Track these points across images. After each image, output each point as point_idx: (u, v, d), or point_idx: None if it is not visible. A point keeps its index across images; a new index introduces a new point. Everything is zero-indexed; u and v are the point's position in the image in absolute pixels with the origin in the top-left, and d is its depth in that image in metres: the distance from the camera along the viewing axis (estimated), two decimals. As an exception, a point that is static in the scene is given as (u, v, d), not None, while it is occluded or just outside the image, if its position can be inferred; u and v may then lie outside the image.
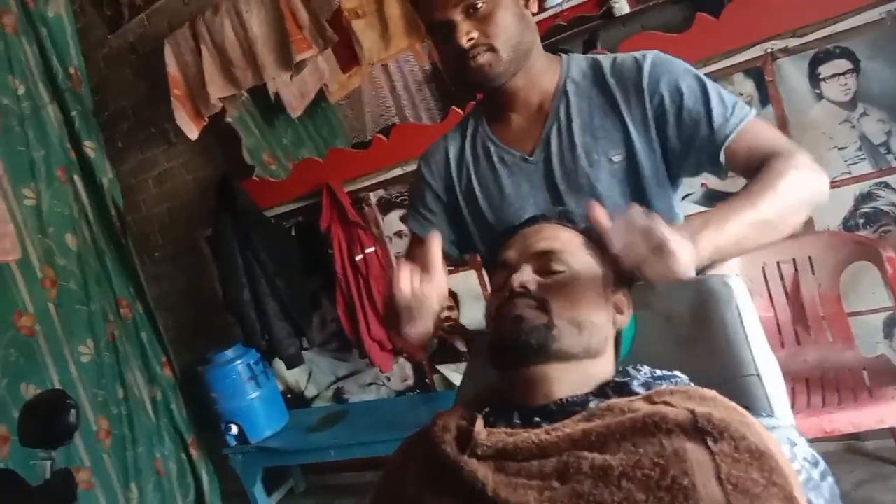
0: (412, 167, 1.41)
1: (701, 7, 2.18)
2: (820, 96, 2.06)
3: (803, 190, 0.98)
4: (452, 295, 2.71)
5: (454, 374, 2.83)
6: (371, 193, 2.77)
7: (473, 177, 1.26)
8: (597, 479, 0.72)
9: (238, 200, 2.83)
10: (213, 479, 3.41)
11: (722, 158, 1.07)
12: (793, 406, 1.05)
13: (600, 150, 1.15)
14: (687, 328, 1.04)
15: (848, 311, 2.08)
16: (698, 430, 0.72)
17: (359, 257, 2.70)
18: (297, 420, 3.08)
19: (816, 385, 1.94)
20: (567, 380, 0.90)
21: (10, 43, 2.94)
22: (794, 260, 2.10)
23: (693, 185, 2.20)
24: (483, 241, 1.28)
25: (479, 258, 1.39)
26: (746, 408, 0.80)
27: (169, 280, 3.44)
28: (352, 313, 2.76)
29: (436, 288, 0.97)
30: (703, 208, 2.18)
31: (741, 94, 2.11)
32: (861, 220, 2.10)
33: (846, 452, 2.24)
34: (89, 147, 3.20)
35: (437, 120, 3.04)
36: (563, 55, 1.24)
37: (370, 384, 3.06)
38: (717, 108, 1.08)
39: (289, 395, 3.22)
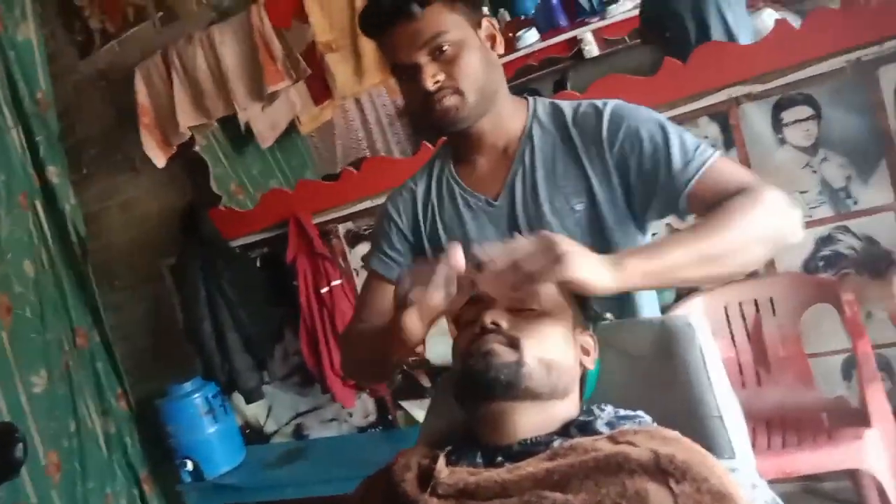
0: (381, 200, 1.41)
1: (669, 51, 2.23)
2: (783, 141, 2.11)
3: (762, 226, 0.97)
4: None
5: (418, 410, 2.79)
6: (340, 225, 2.76)
7: (438, 219, 1.25)
8: (559, 519, 0.71)
9: (203, 229, 2.79)
10: (166, 516, 3.29)
11: (683, 204, 1.07)
12: (753, 446, 1.05)
13: (563, 198, 1.15)
14: (650, 368, 1.04)
15: (808, 353, 2.10)
16: (661, 470, 0.72)
17: (324, 290, 2.67)
18: (256, 456, 3.00)
19: (777, 426, 1.95)
20: (532, 419, 0.90)
21: (-26, 66, 2.89)
22: (755, 301, 2.13)
23: (657, 225, 2.23)
24: None
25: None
26: (709, 449, 0.80)
27: (129, 309, 3.35)
28: (315, 346, 2.72)
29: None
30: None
31: (706, 137, 2.15)
32: (821, 263, 2.13)
33: (805, 493, 2.24)
34: (53, 173, 3.14)
35: (408, 154, 3.05)
36: (529, 98, 1.24)
37: (332, 420, 3.00)
38: (676, 154, 1.07)
39: (247, 430, 3.14)
